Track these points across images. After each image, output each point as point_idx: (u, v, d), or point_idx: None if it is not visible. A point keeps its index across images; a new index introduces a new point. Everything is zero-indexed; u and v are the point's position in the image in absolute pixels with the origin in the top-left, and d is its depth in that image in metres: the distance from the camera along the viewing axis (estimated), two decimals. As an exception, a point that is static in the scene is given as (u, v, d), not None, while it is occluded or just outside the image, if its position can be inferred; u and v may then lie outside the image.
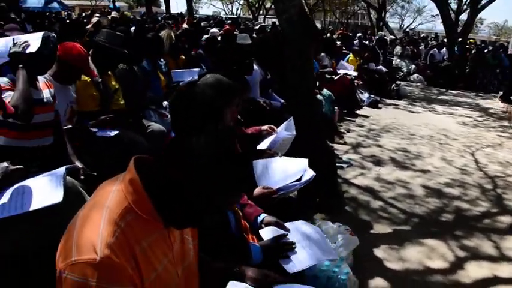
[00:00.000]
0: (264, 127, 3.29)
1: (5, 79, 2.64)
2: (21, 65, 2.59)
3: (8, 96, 2.52)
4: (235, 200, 1.36)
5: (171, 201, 1.23)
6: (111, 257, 1.10)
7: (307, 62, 3.83)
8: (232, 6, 48.62)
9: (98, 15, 10.23)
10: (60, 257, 1.14)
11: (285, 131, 3.24)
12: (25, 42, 2.63)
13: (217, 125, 1.76)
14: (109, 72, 3.77)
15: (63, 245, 1.17)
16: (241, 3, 44.65)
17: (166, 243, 1.31)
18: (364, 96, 8.43)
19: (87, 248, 1.12)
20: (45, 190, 2.23)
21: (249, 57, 4.26)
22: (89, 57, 3.41)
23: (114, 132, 3.23)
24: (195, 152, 1.17)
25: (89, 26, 7.27)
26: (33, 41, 2.65)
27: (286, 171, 2.63)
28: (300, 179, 2.54)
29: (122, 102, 3.79)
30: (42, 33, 2.73)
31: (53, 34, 2.91)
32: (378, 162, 5.22)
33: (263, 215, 2.18)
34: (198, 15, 26.00)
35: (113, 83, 3.79)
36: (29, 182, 2.29)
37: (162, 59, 4.96)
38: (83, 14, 15.86)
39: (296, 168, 2.64)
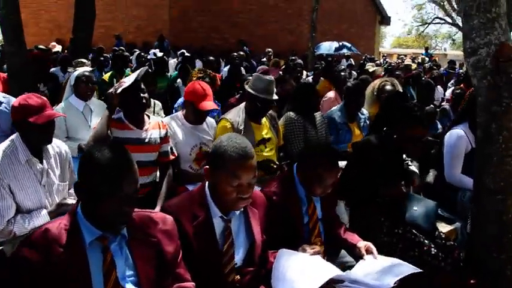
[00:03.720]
0: (362, 244, 2.18)
1: None
2: (107, 106, 2.67)
3: None
4: None
5: None
6: None
7: (503, 131, 2.39)
8: None
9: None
10: None
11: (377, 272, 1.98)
12: (121, 82, 2.69)
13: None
14: (263, 120, 3.46)
15: None
16: None
17: None
18: None
19: None
20: None
21: None
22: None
23: None
24: None
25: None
26: (128, 81, 2.68)
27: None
28: None
29: (267, 154, 3.38)
30: (138, 71, 2.74)
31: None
32: None
33: None
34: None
35: (264, 131, 3.44)
36: None
37: (363, 111, 4.22)
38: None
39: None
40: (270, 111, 3.56)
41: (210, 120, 3.40)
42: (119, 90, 2.64)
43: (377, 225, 2.60)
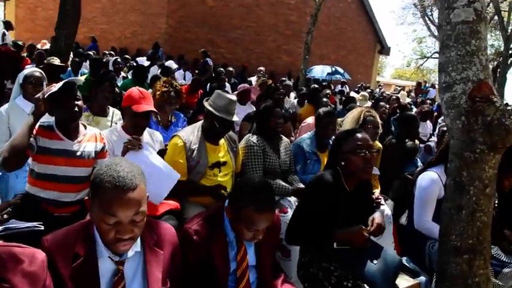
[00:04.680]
0: None
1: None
2: (33, 112, 2.36)
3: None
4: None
5: None
6: None
7: (483, 181, 2.07)
8: None
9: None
10: None
11: None
12: (51, 87, 2.38)
13: None
14: (221, 141, 3.14)
15: None
16: None
17: None
18: None
19: None
20: None
21: None
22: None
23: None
24: None
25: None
26: (58, 85, 2.37)
27: None
28: None
29: (221, 179, 3.05)
30: (66, 80, 2.43)
31: (81, 80, 2.57)
32: None
33: None
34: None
35: (220, 154, 3.12)
36: None
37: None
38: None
39: None
40: (231, 133, 3.26)
41: (156, 134, 3.09)
42: (46, 95, 2.32)
43: (325, 274, 2.26)
